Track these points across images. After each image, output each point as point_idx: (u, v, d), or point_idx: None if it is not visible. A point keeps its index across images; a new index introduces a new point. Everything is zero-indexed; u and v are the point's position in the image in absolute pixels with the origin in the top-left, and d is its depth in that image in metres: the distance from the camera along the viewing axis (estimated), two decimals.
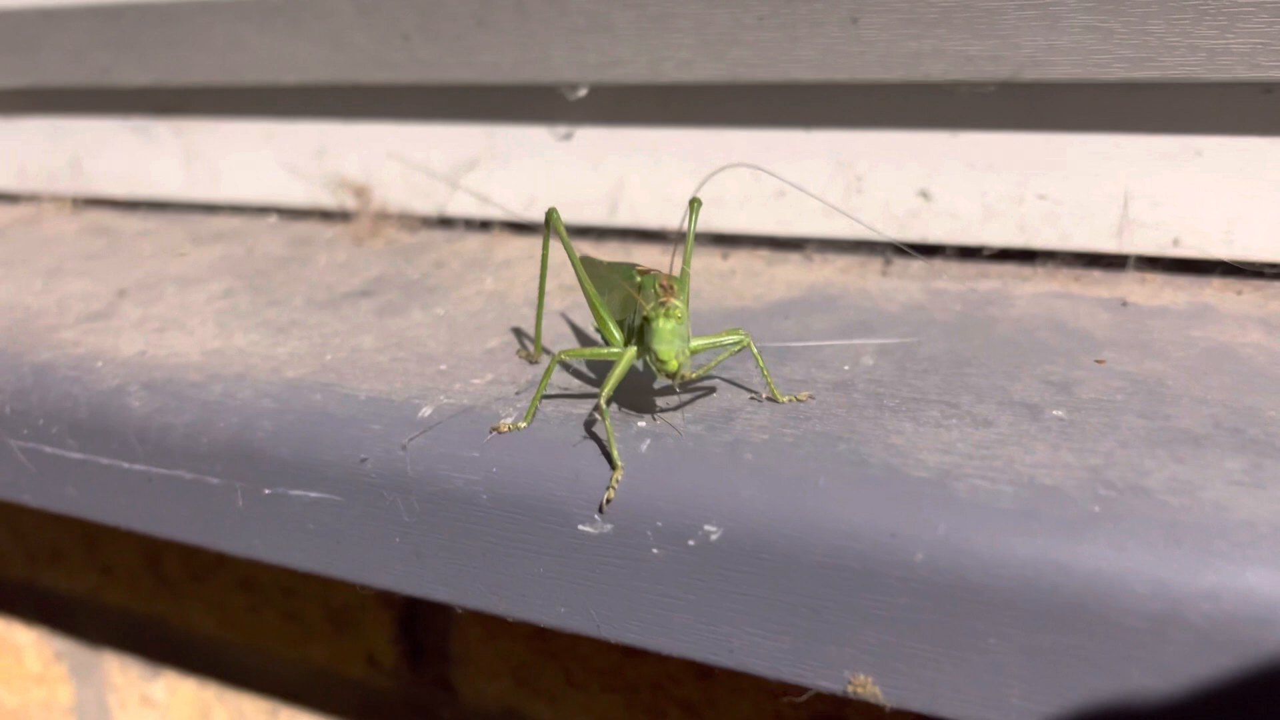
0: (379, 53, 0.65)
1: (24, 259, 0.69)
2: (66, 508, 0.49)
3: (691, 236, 0.45)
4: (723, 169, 0.58)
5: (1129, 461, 0.34)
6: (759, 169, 0.57)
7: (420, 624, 0.60)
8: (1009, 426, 0.37)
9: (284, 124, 0.74)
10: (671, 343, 0.37)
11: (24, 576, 0.78)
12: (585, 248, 0.63)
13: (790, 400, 0.40)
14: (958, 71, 0.52)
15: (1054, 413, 0.38)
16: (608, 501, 0.36)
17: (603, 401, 0.37)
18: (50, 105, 0.83)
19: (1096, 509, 0.32)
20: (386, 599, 0.60)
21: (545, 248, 0.46)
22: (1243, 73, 0.47)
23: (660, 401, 0.41)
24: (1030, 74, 0.50)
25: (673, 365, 0.37)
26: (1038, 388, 0.40)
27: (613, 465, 0.37)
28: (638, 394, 0.42)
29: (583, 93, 0.61)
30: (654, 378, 0.42)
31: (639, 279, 0.41)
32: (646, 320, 0.37)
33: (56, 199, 0.84)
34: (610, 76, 0.59)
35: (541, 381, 0.40)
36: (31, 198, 0.85)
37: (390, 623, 0.62)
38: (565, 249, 0.44)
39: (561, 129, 0.65)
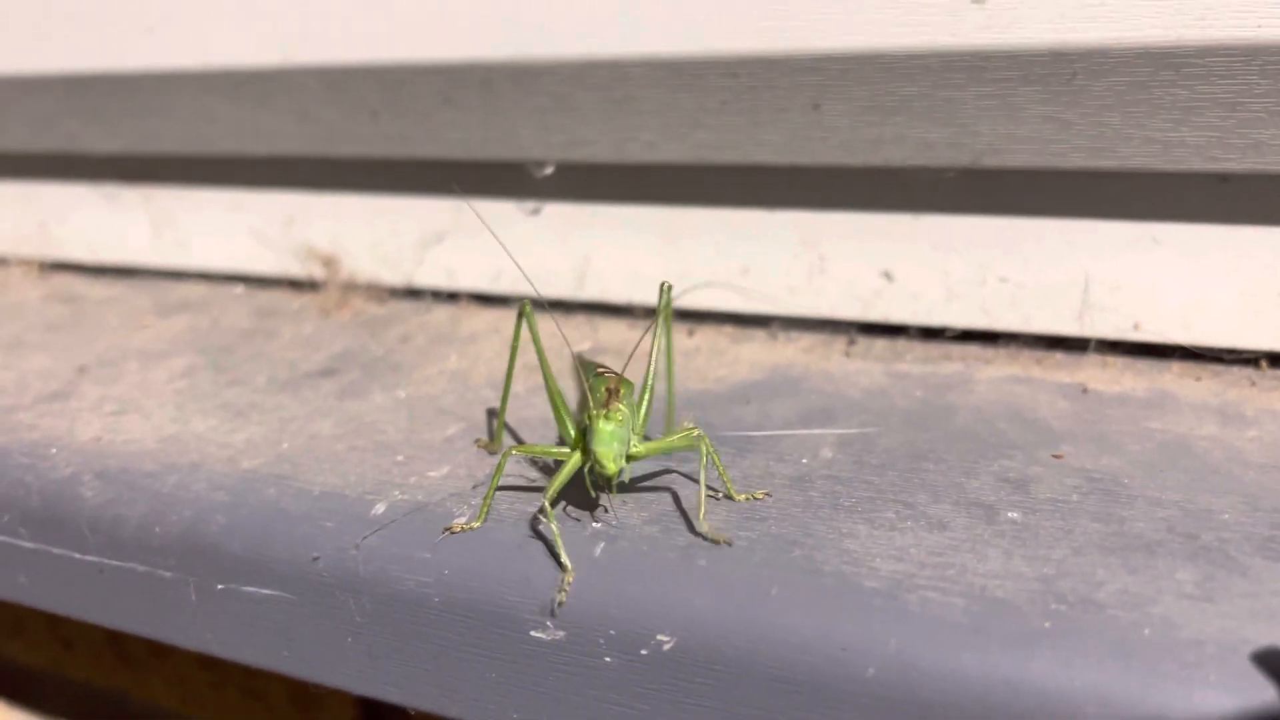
0: (347, 126, 0.65)
1: None
2: (18, 596, 0.48)
3: (664, 321, 0.46)
4: (695, 287, 0.59)
5: (1081, 571, 0.34)
6: (733, 286, 0.58)
7: (383, 706, 0.59)
8: (964, 530, 0.37)
9: (252, 193, 0.74)
10: (609, 444, 0.37)
11: None
12: (551, 323, 0.63)
13: (747, 499, 0.39)
14: (919, 157, 0.52)
15: (1009, 515, 0.38)
16: (559, 605, 0.36)
17: (547, 503, 0.37)
18: (18, 170, 0.83)
19: (1047, 624, 0.32)
20: None
21: (515, 339, 0.46)
22: (1198, 164, 0.47)
23: (614, 498, 0.41)
24: (990, 161, 0.51)
25: (610, 469, 0.37)
26: (994, 486, 0.40)
27: (562, 568, 0.36)
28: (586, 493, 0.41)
29: (549, 170, 0.61)
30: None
31: (594, 380, 0.41)
32: (589, 421, 0.37)
33: (24, 262, 0.84)
34: (576, 155, 0.60)
35: (493, 479, 0.39)
36: None
37: (353, 704, 0.61)
38: (534, 344, 0.44)
39: (529, 204, 0.65)
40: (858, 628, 0.32)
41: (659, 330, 0.45)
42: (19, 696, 0.77)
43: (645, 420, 0.41)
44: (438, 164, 0.66)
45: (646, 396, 0.42)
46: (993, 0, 0.47)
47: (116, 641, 0.70)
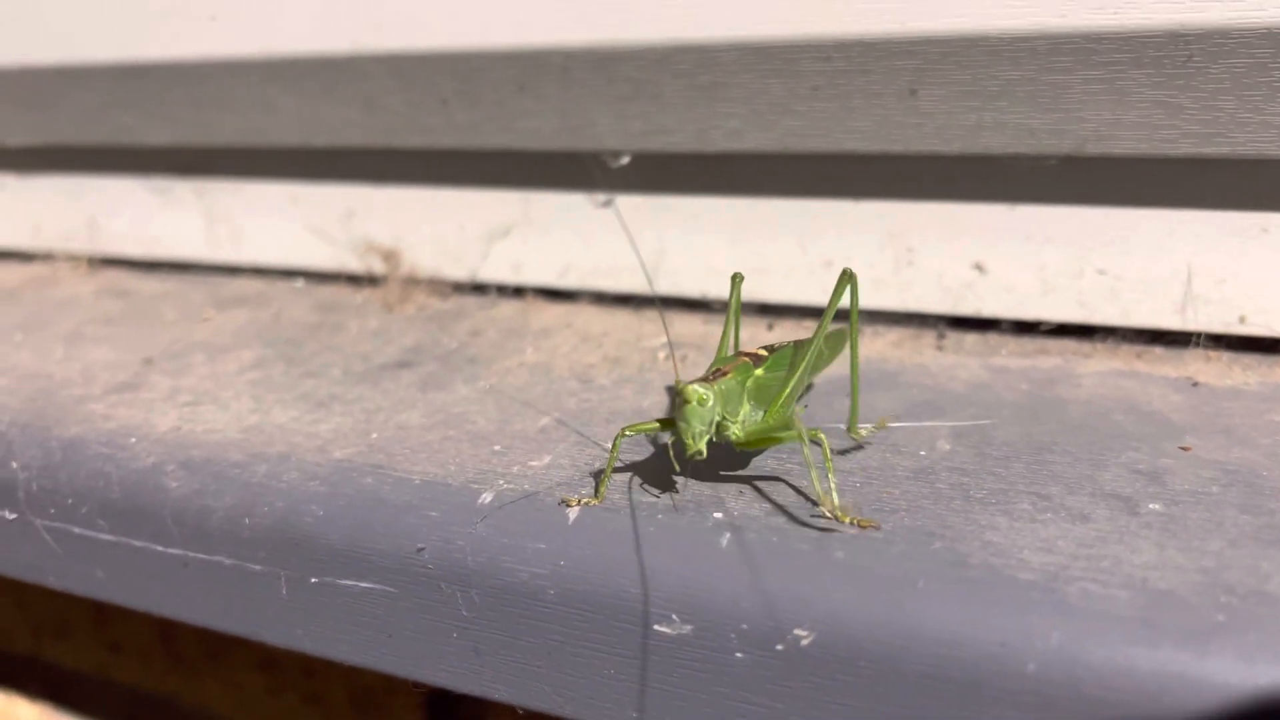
0: (415, 117, 0.63)
1: (42, 323, 0.67)
2: (93, 591, 0.47)
3: (735, 311, 0.47)
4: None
5: (1243, 563, 0.32)
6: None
7: (449, 710, 0.58)
8: (1107, 522, 0.35)
9: (310, 186, 0.72)
10: (687, 420, 0.37)
11: (28, 650, 0.75)
12: (624, 317, 0.62)
13: (853, 523, 0.36)
14: (1018, 145, 0.50)
15: (1151, 506, 0.36)
16: (564, 503, 0.38)
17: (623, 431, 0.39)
18: (67, 163, 0.82)
19: (1221, 618, 0.30)
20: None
21: (732, 313, 0.47)
22: None
23: (733, 484, 0.39)
24: (1094, 148, 0.49)
25: (686, 444, 0.37)
26: (1127, 477, 0.38)
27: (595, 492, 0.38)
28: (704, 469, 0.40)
29: (625, 160, 0.60)
30: (727, 454, 0.41)
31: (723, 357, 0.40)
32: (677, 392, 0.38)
33: (72, 258, 0.82)
34: (655, 145, 0.58)
35: (609, 459, 0.38)
36: (46, 256, 0.84)
37: (417, 708, 0.59)
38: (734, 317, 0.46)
39: (601, 196, 0.63)
40: (1015, 622, 0.31)
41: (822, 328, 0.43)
42: (63, 700, 0.75)
43: (783, 408, 0.40)
44: (507, 154, 0.64)
45: (791, 384, 0.40)
46: None
47: (168, 643, 0.68)
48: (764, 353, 0.42)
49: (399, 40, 0.60)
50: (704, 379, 0.38)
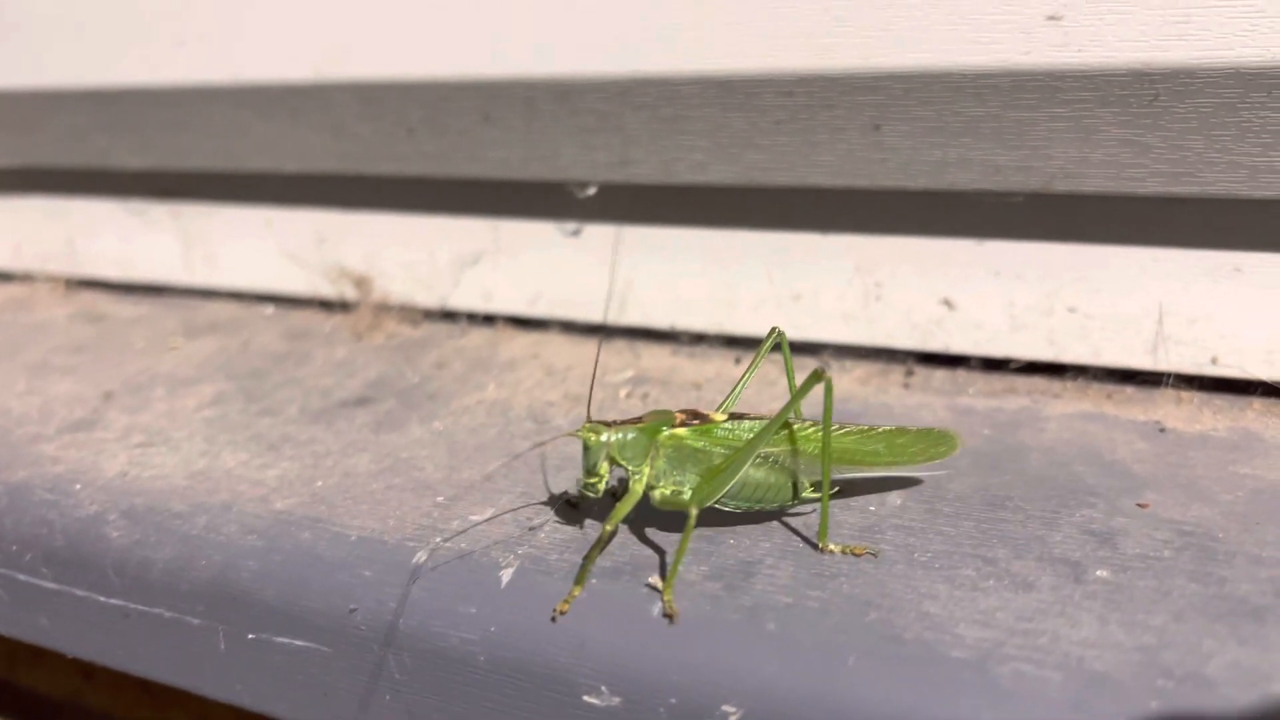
0: (383, 144, 0.63)
1: (11, 350, 0.66)
2: (39, 638, 0.46)
3: (788, 363, 0.45)
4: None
5: (1185, 641, 0.31)
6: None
7: None
8: (1051, 591, 0.34)
9: (284, 211, 0.72)
10: (583, 459, 0.38)
11: (2, 674, 0.75)
12: (591, 348, 0.61)
13: (842, 551, 0.37)
14: (985, 181, 0.49)
15: (1098, 573, 0.35)
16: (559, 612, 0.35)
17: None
18: (47, 185, 0.82)
19: (1154, 704, 0.29)
20: None
21: (789, 369, 0.44)
22: None
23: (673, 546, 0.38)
24: (1061, 185, 0.48)
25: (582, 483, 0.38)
26: (1078, 540, 0.37)
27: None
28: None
29: (592, 191, 0.59)
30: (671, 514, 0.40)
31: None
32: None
33: (50, 279, 0.82)
34: (621, 176, 0.57)
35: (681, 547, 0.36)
36: (25, 277, 0.83)
37: None
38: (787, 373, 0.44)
39: (570, 225, 0.63)
40: (945, 704, 0.30)
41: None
42: None
43: (703, 491, 0.37)
44: (476, 183, 0.63)
45: (729, 471, 0.37)
46: (1070, 18, 0.44)
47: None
48: (718, 416, 0.39)
49: (361, 69, 0.59)
50: (609, 421, 0.38)
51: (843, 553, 0.37)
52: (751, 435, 0.38)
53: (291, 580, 0.39)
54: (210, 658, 0.41)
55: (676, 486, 0.38)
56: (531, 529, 0.40)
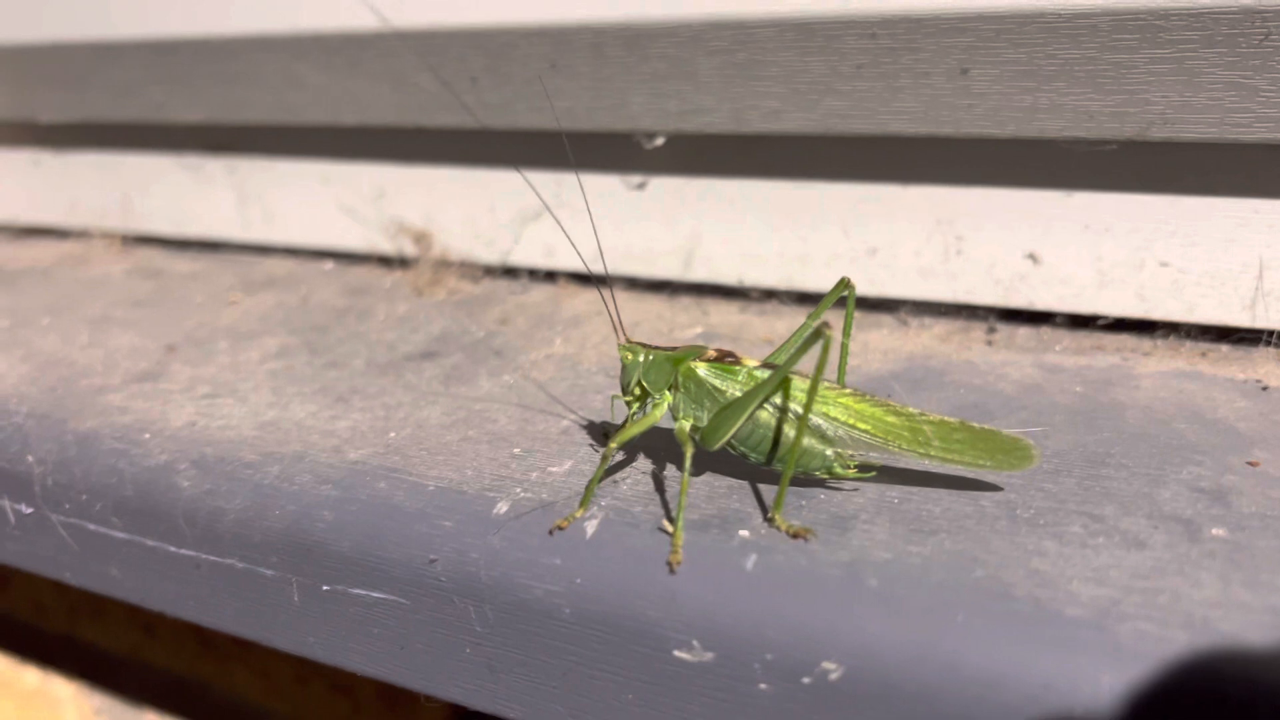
0: (444, 95, 0.61)
1: (71, 305, 0.66)
2: (109, 589, 0.46)
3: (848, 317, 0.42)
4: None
5: None
6: None
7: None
8: (1165, 549, 0.32)
9: (341, 165, 0.71)
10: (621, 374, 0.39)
11: (64, 629, 0.75)
12: (657, 304, 0.60)
13: (789, 531, 0.34)
14: (1077, 128, 0.47)
15: (1214, 531, 0.33)
16: (557, 527, 0.36)
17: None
18: (101, 140, 0.81)
19: None
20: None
21: (848, 325, 0.41)
22: None
23: (762, 497, 0.37)
24: (1159, 132, 0.46)
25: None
26: (1188, 497, 0.35)
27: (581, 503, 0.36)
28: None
29: (660, 141, 0.57)
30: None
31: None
32: None
33: (106, 235, 0.82)
34: (690, 125, 0.56)
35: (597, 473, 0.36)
36: (81, 233, 0.83)
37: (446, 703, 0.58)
38: (844, 332, 0.41)
39: (635, 178, 0.61)
40: (1061, 663, 0.28)
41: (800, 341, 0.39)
42: (99, 680, 0.75)
43: (716, 432, 0.36)
44: (539, 135, 0.62)
45: (731, 413, 0.36)
46: None
47: (199, 628, 0.68)
48: (749, 361, 0.38)
49: (425, 16, 0.58)
50: (646, 343, 0.39)
51: (786, 531, 0.34)
52: (756, 387, 0.36)
53: (368, 531, 0.38)
54: (283, 609, 0.41)
55: (695, 421, 0.37)
56: (614, 481, 0.39)
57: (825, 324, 0.33)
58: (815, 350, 0.35)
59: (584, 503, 0.36)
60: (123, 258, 0.77)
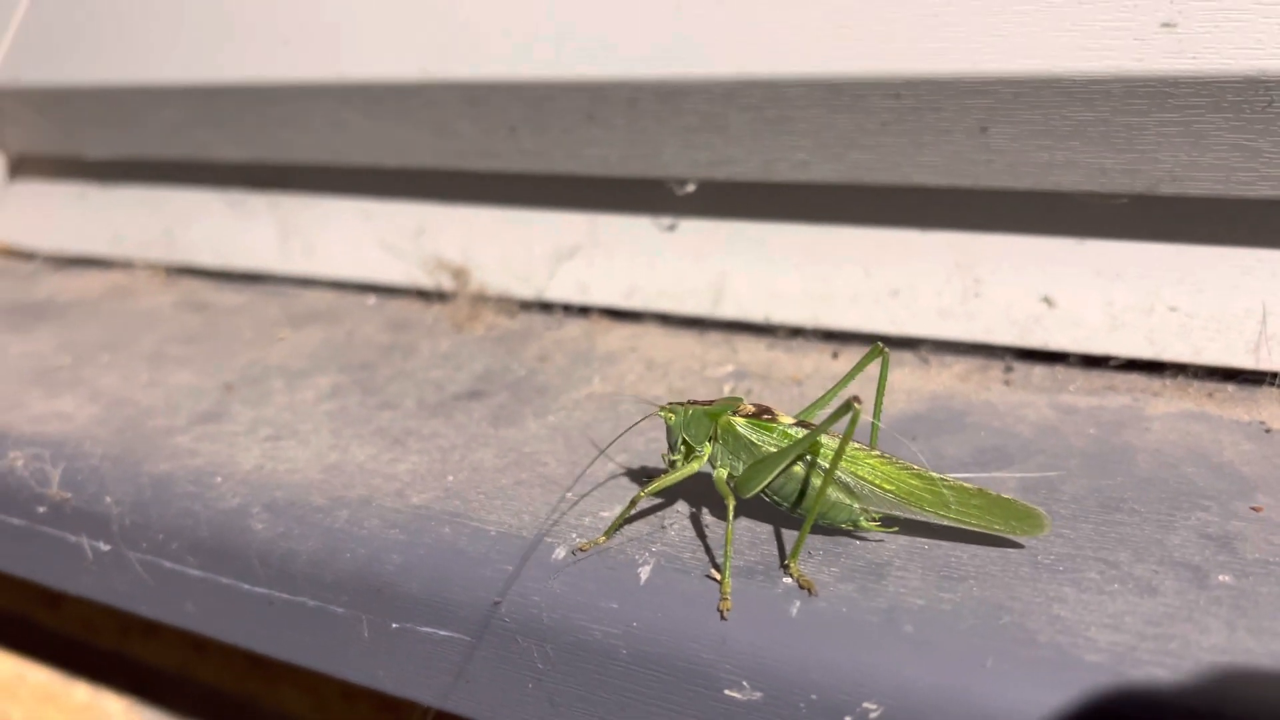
0: (484, 142, 0.64)
1: (126, 340, 0.69)
2: (184, 622, 0.49)
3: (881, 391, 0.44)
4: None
5: None
6: None
7: None
8: (1175, 595, 0.35)
9: (382, 203, 0.74)
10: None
11: (114, 646, 0.78)
12: (688, 341, 0.63)
13: (799, 579, 0.37)
14: (1090, 183, 0.50)
15: (1220, 578, 0.36)
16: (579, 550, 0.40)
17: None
18: (146, 176, 0.84)
19: None
20: None
21: (881, 387, 0.44)
22: None
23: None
24: (1168, 188, 0.49)
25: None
26: (1196, 543, 0.38)
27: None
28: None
29: (691, 188, 0.60)
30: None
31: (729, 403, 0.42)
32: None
33: (149, 266, 0.85)
34: (721, 174, 0.59)
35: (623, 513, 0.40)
36: (125, 264, 0.86)
37: None
38: (878, 393, 0.44)
39: (666, 220, 0.64)
40: (1084, 705, 0.31)
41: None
42: (148, 695, 0.79)
43: (750, 482, 0.40)
44: (574, 179, 0.65)
45: (761, 471, 0.39)
46: (1185, 25, 0.45)
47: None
48: (784, 418, 0.41)
49: (469, 69, 0.61)
50: (684, 401, 0.42)
51: (797, 580, 0.37)
52: (786, 448, 0.39)
53: (435, 574, 0.41)
54: (354, 644, 0.44)
55: (730, 470, 0.41)
56: (662, 527, 0.42)
57: (855, 398, 0.36)
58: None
59: (608, 533, 0.41)
60: (168, 289, 0.81)
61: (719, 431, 0.41)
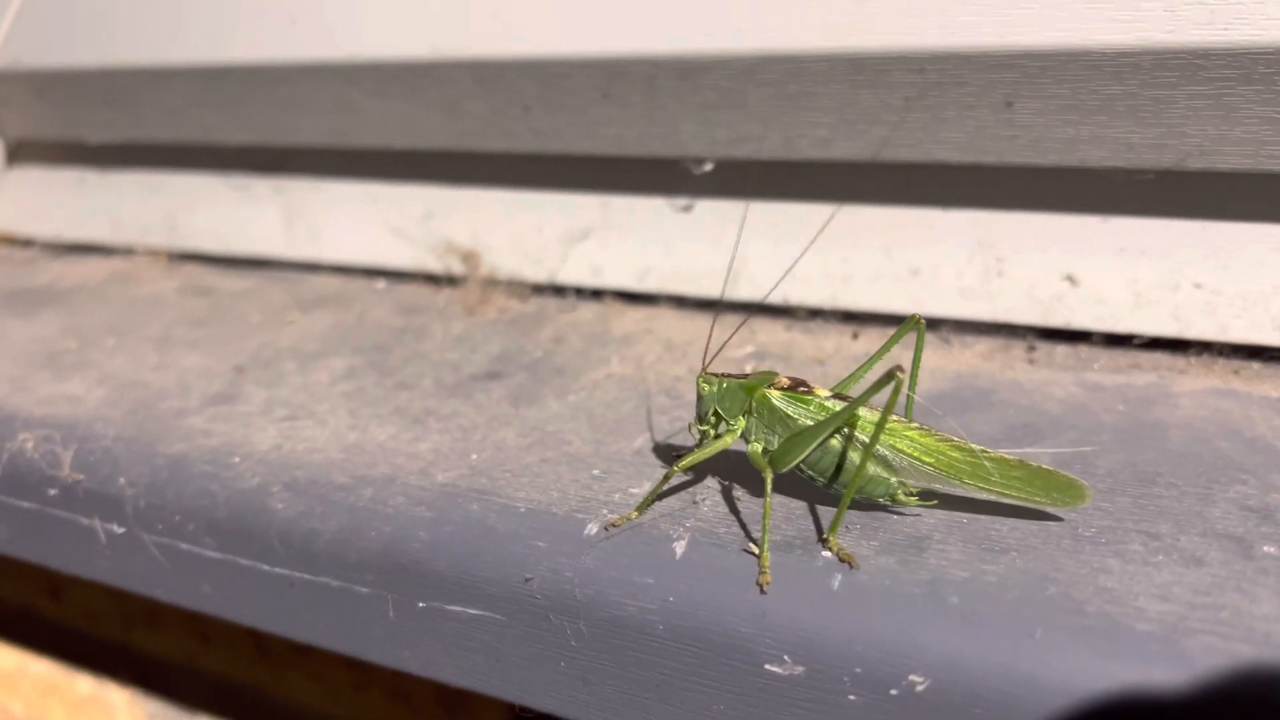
0: (496, 121, 0.63)
1: (132, 325, 0.68)
2: (201, 605, 0.48)
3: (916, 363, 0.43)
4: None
5: None
6: None
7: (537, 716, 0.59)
8: (1222, 566, 0.35)
9: (389, 186, 0.73)
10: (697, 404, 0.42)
11: (118, 637, 0.77)
12: (704, 322, 0.62)
13: (838, 553, 0.37)
14: (1117, 158, 0.50)
15: (1265, 549, 0.36)
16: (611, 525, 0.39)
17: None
18: (148, 160, 0.83)
19: None
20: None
21: (916, 359, 0.43)
22: None
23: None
24: (1196, 163, 0.48)
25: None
26: (1238, 515, 0.38)
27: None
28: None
29: (708, 167, 0.60)
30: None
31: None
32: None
33: (151, 252, 0.84)
34: (740, 152, 0.58)
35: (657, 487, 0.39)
36: (125, 250, 0.85)
37: (506, 707, 0.60)
38: (913, 368, 0.43)
39: (681, 201, 0.63)
40: (1138, 675, 0.31)
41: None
42: (153, 686, 0.78)
43: (786, 456, 0.39)
44: (587, 159, 0.64)
45: (800, 443, 0.39)
46: None
47: (256, 636, 0.70)
48: (820, 392, 0.40)
49: (481, 47, 0.60)
50: (719, 373, 0.41)
51: (837, 553, 0.37)
52: (823, 421, 0.39)
53: (464, 551, 0.40)
54: (378, 625, 0.43)
55: (765, 444, 0.40)
56: (694, 502, 0.41)
57: (898, 367, 0.36)
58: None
59: (640, 508, 0.40)
60: (170, 275, 0.79)
61: (754, 405, 0.40)
